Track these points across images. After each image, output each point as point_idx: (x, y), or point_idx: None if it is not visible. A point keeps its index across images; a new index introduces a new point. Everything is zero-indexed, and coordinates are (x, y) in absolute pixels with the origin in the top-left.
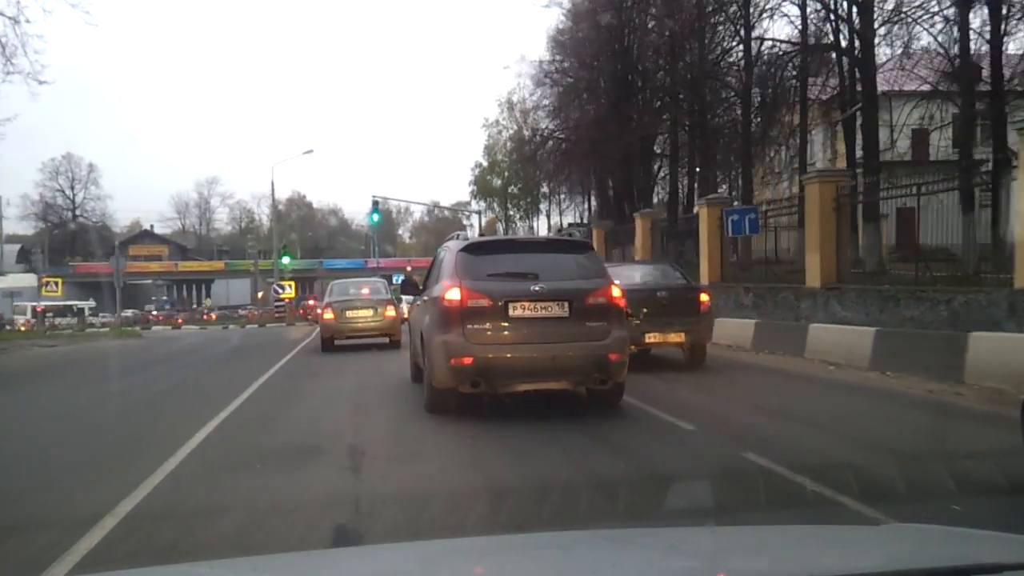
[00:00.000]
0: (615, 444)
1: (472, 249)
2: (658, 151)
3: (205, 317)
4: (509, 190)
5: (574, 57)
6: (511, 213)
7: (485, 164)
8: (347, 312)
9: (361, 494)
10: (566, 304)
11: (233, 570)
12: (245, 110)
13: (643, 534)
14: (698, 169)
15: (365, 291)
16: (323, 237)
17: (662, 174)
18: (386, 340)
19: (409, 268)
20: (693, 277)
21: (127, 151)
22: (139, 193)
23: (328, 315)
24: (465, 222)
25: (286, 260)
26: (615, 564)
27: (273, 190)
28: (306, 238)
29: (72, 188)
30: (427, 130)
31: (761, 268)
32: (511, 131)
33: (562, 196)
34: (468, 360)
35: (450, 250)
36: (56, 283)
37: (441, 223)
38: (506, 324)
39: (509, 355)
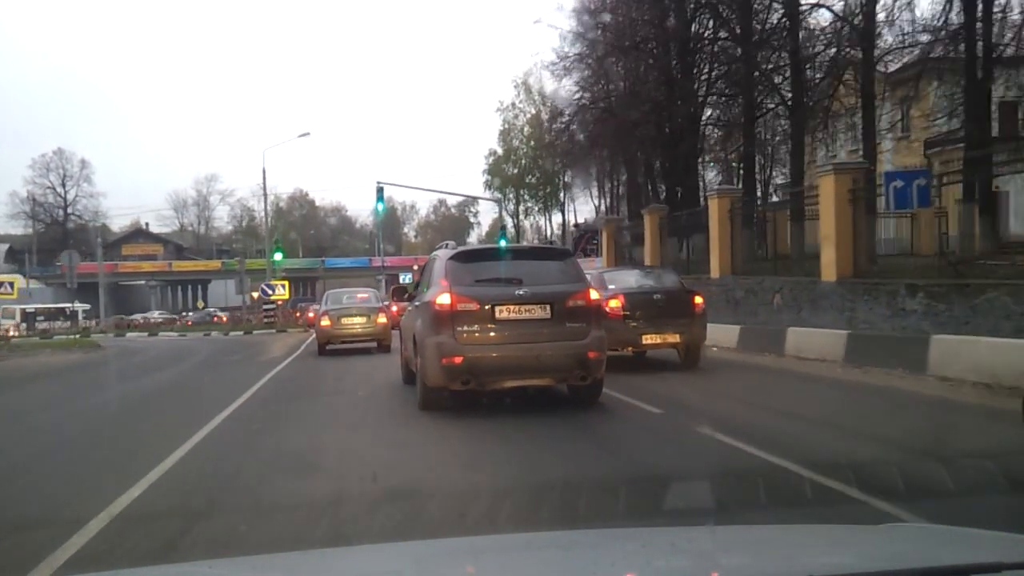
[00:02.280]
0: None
1: (460, 257)
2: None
3: (215, 320)
4: (526, 179)
5: (613, 15)
6: (528, 205)
7: (500, 152)
8: (343, 319)
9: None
10: (548, 307)
11: (233, 570)
12: (246, 106)
13: (643, 533)
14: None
15: (359, 298)
16: (326, 236)
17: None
18: (374, 345)
19: (415, 267)
20: (795, 271)
21: (123, 148)
22: (137, 192)
23: (325, 322)
24: (472, 220)
25: (278, 256)
26: (615, 564)
27: (264, 177)
28: (308, 237)
29: (64, 185)
30: (436, 121)
31: (896, 260)
32: (528, 115)
33: (579, 184)
34: (458, 359)
35: (440, 258)
36: (11, 284)
37: (447, 220)
38: (493, 326)
39: (496, 354)
